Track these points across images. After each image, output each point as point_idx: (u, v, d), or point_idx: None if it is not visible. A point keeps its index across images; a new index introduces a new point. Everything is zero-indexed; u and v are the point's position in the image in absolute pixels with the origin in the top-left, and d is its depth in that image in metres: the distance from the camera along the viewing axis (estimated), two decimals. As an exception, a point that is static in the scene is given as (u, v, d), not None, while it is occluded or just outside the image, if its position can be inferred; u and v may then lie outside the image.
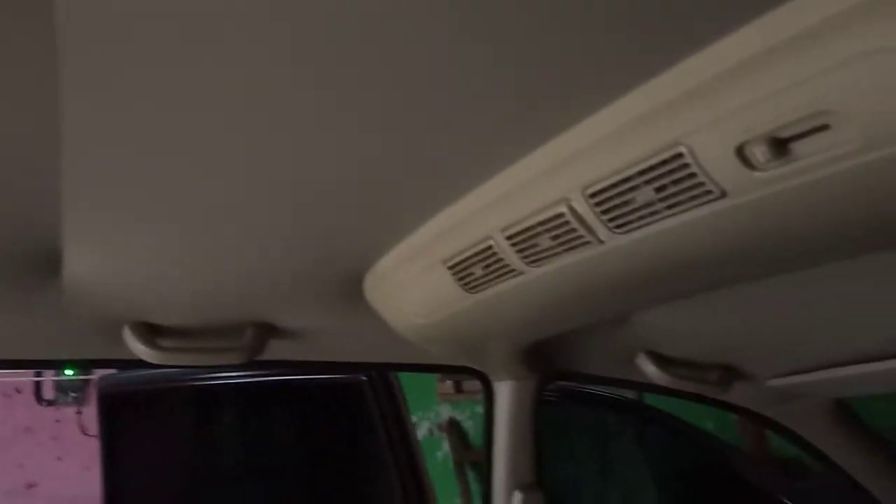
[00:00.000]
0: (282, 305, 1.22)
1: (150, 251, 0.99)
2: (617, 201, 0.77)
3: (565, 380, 1.58)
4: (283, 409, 1.93)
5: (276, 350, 1.34)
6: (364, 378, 1.70)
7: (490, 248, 0.94)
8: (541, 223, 0.85)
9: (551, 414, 2.65)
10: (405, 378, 3.96)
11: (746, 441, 3.34)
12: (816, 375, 1.53)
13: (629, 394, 3.43)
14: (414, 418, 4.00)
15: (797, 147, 0.62)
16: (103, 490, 1.91)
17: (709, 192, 0.70)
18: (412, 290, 1.13)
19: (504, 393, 1.50)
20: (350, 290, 1.20)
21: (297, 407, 1.87)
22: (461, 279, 1.03)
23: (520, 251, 0.91)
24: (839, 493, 2.11)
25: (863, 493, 1.91)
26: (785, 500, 2.10)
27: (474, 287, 1.03)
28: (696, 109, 0.66)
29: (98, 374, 2.46)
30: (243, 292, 1.18)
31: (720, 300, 1.29)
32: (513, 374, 1.47)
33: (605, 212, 0.79)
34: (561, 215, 0.82)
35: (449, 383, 4.01)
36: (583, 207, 0.80)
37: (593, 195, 0.78)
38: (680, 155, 0.69)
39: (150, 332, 1.19)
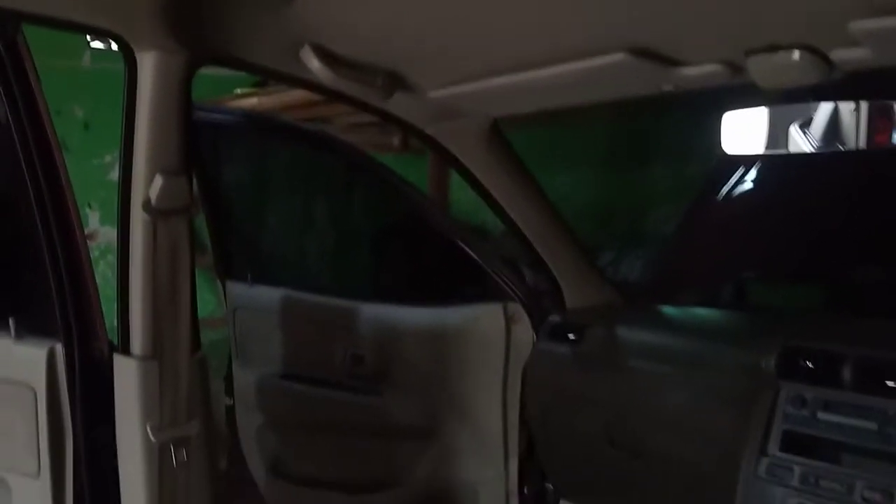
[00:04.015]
0: None
1: None
2: None
3: (222, 64, 1.41)
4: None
5: None
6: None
7: None
8: None
9: (255, 148, 2.50)
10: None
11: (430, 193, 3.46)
12: (474, 86, 1.51)
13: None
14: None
15: None
16: None
17: None
18: None
19: (148, 65, 1.29)
20: None
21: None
22: None
23: None
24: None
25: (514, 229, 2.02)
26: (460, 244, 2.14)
27: None
28: None
29: None
30: None
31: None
32: (157, 44, 1.28)
33: None
34: None
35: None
36: None
37: None
38: None
39: None
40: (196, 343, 1.44)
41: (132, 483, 1.36)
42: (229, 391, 2.52)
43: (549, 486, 2.10)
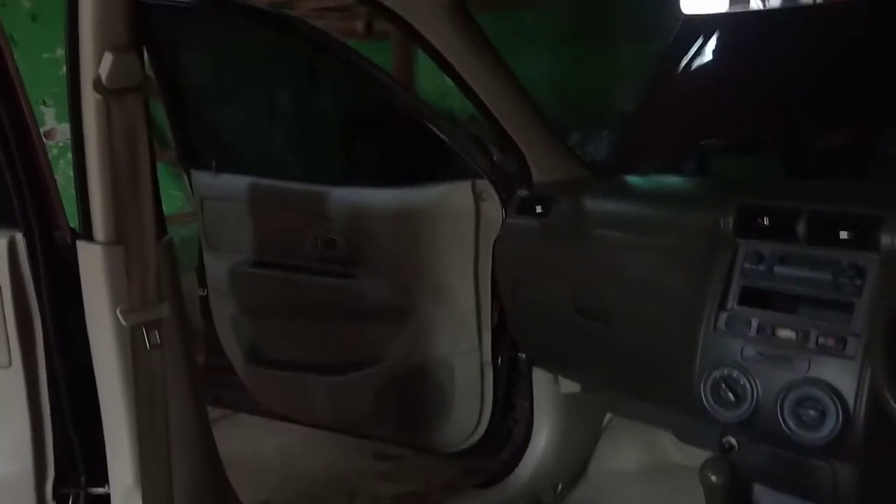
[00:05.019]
0: None
1: None
2: None
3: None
4: None
5: None
6: None
7: None
8: None
9: (215, 31, 2.40)
10: None
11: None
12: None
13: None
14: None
15: None
16: None
17: None
18: None
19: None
20: None
21: None
22: None
23: None
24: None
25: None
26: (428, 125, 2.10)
27: None
28: None
29: None
30: None
31: None
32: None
33: None
34: None
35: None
36: None
37: None
38: None
39: None
40: (161, 227, 1.42)
41: (106, 368, 1.37)
42: (202, 282, 2.52)
43: (522, 355, 2.15)
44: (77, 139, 1.32)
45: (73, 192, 1.35)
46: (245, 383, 2.53)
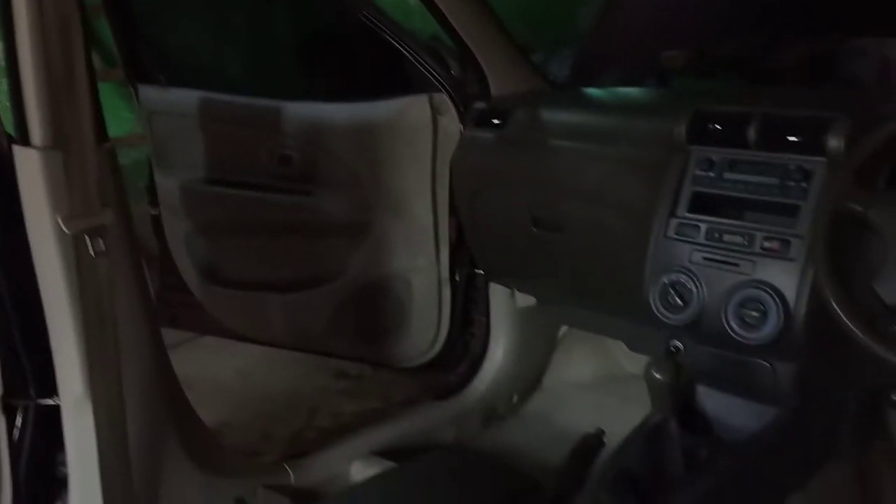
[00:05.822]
0: None
1: None
2: None
3: None
4: None
5: None
6: None
7: None
8: None
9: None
10: None
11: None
12: None
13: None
14: None
15: None
16: None
17: None
18: None
19: None
20: None
21: None
22: None
23: None
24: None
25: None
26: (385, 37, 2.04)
27: None
28: None
29: None
30: None
31: None
32: None
33: None
34: None
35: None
36: None
37: None
38: None
39: None
40: (102, 133, 1.38)
41: (50, 277, 1.34)
42: (153, 201, 2.48)
43: (479, 270, 2.17)
44: (8, 36, 1.27)
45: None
46: (202, 303, 2.52)
